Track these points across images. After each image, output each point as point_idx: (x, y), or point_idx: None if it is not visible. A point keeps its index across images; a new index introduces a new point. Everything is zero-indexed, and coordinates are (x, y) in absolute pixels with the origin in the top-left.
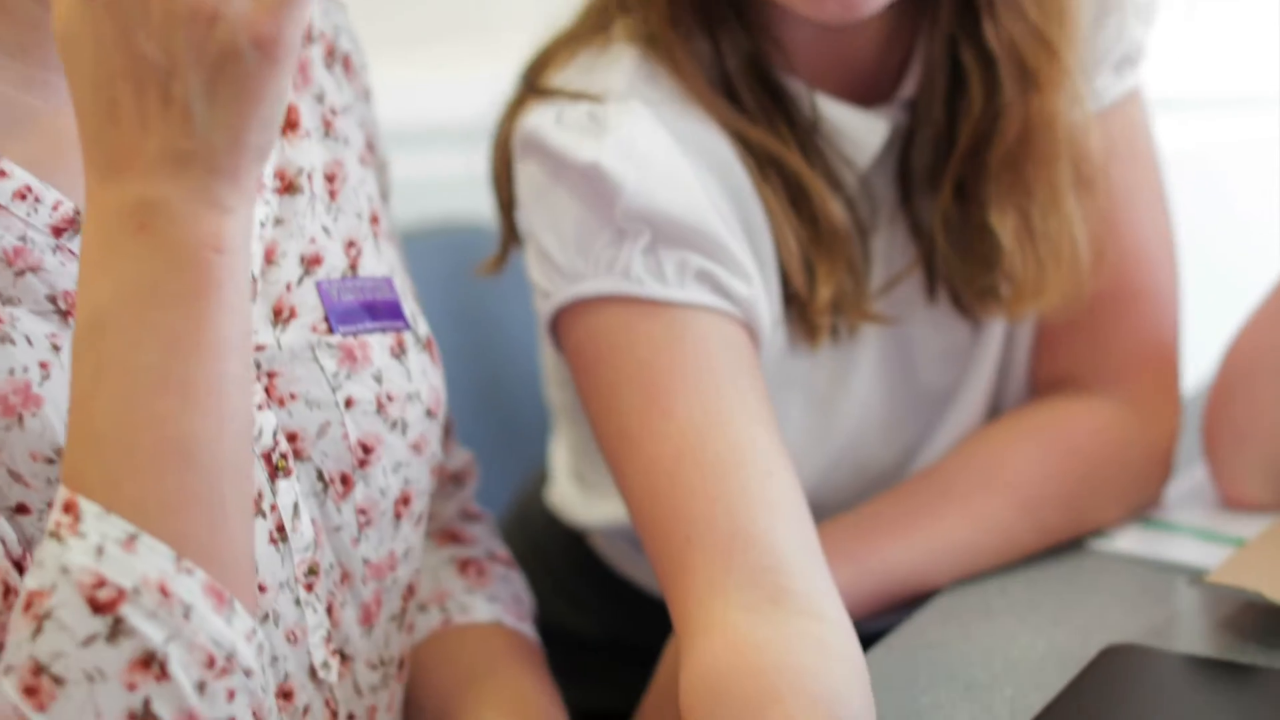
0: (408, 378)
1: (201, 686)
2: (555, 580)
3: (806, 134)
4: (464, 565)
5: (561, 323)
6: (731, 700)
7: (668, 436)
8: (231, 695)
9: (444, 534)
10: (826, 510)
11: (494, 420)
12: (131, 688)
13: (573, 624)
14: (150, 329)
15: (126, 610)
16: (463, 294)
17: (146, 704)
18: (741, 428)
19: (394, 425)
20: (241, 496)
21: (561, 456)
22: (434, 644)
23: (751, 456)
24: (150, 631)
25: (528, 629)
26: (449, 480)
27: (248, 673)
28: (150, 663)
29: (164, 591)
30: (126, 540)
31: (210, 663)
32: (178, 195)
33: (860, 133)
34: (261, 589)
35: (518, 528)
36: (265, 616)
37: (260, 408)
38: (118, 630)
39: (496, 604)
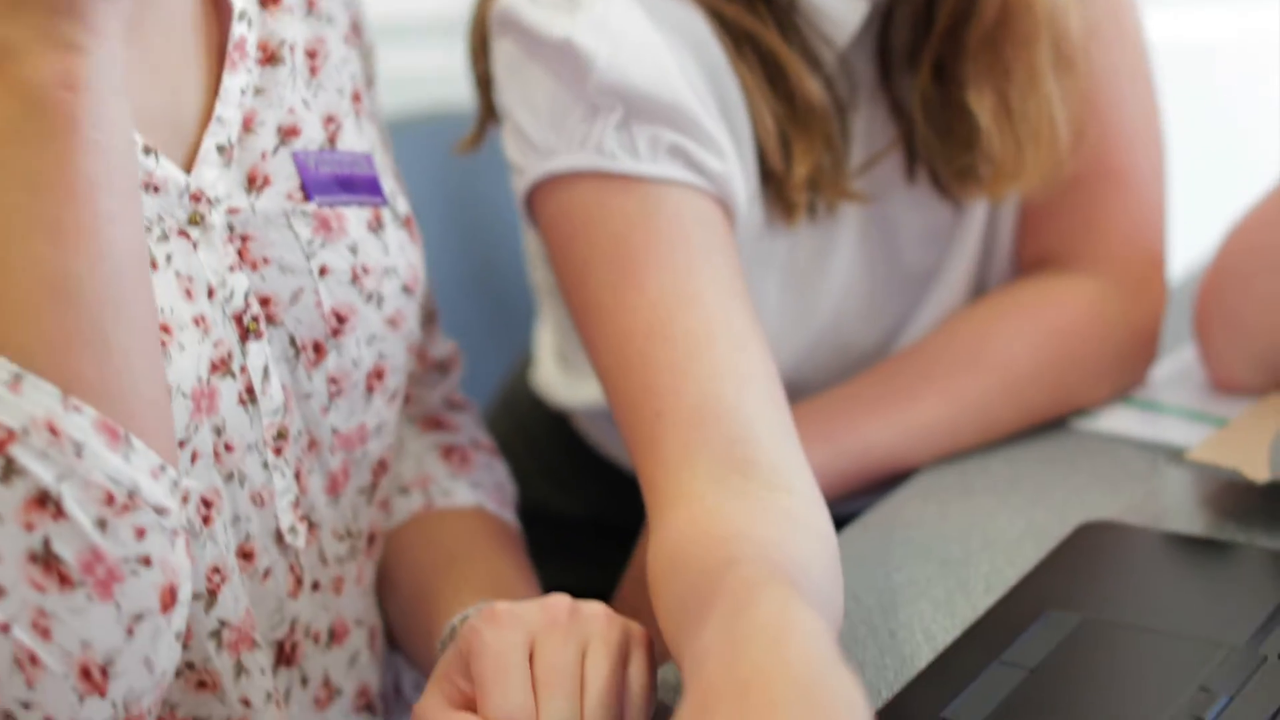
0: (384, 252)
1: (102, 524)
2: (540, 461)
3: (784, 12)
4: (448, 451)
5: (536, 199)
6: (690, 568)
7: (639, 311)
8: (141, 533)
9: (428, 421)
10: (808, 391)
11: (484, 307)
12: (29, 528)
13: (557, 505)
14: (12, 170)
15: (16, 450)
16: (452, 182)
17: (46, 544)
18: (714, 303)
19: (369, 298)
20: (130, 334)
21: (546, 338)
22: (414, 526)
23: (723, 331)
24: (41, 471)
25: (509, 516)
26: (434, 368)
27: (159, 510)
28: (45, 502)
29: (53, 430)
30: (12, 381)
31: (109, 500)
32: (19, 35)
33: (839, 11)
34: (229, 449)
35: (504, 410)
36: (230, 475)
37: (232, 269)
38: (10, 471)
39: (479, 490)
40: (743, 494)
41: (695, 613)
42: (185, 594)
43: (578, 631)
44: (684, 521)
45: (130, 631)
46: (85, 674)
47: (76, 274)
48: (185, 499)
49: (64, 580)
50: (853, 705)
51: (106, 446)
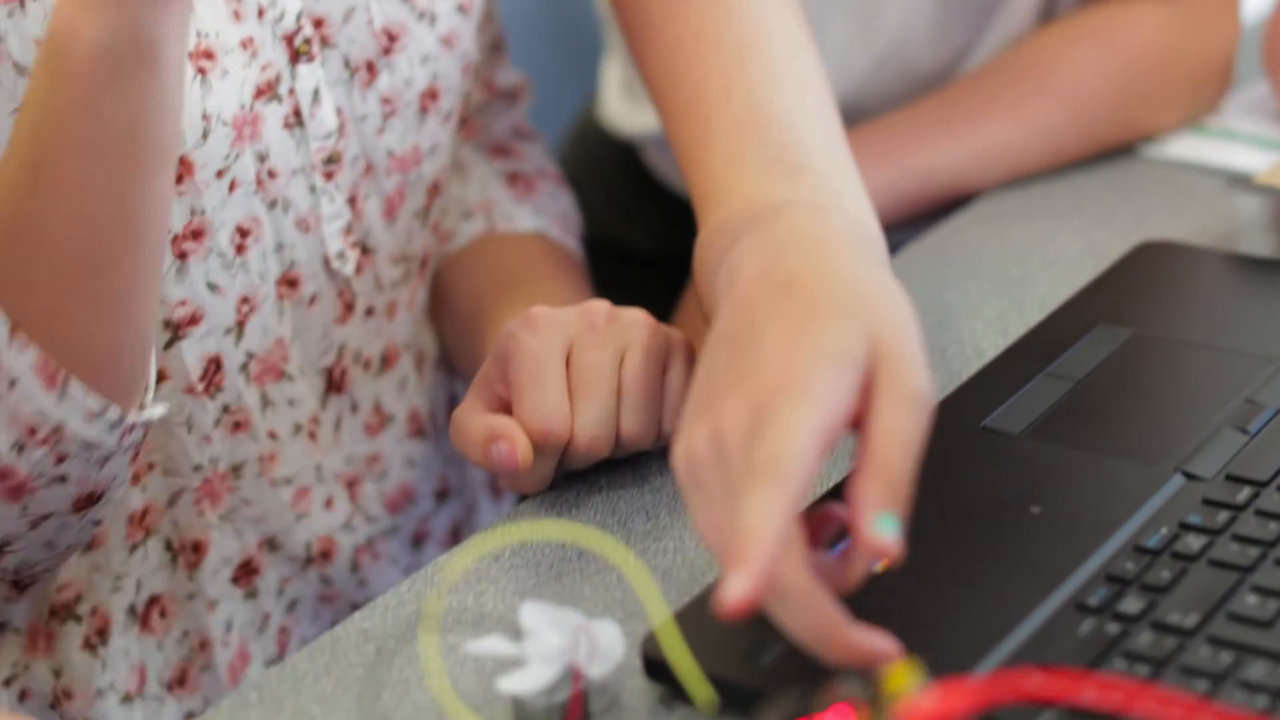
0: None
1: (19, 448)
2: (608, 193)
3: None
4: (513, 178)
5: None
6: (727, 233)
7: (687, 20)
8: (62, 459)
9: (495, 148)
10: (871, 116)
11: (561, 44)
12: None
13: (623, 237)
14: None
15: None
16: None
17: None
18: (764, 11)
19: (421, 16)
20: (95, 290)
21: (612, 71)
22: (474, 249)
23: (774, 40)
24: None
25: (572, 244)
26: (501, 96)
27: (87, 444)
28: None
29: None
30: None
31: (31, 431)
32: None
33: None
34: (272, 175)
35: (575, 144)
36: (274, 203)
37: None
38: None
39: (542, 216)
40: (790, 194)
41: (729, 250)
42: (112, 494)
43: (616, 336)
44: (729, 206)
45: (34, 525)
46: None
47: (39, 219)
48: (135, 434)
49: None
50: (896, 305)
51: (41, 388)
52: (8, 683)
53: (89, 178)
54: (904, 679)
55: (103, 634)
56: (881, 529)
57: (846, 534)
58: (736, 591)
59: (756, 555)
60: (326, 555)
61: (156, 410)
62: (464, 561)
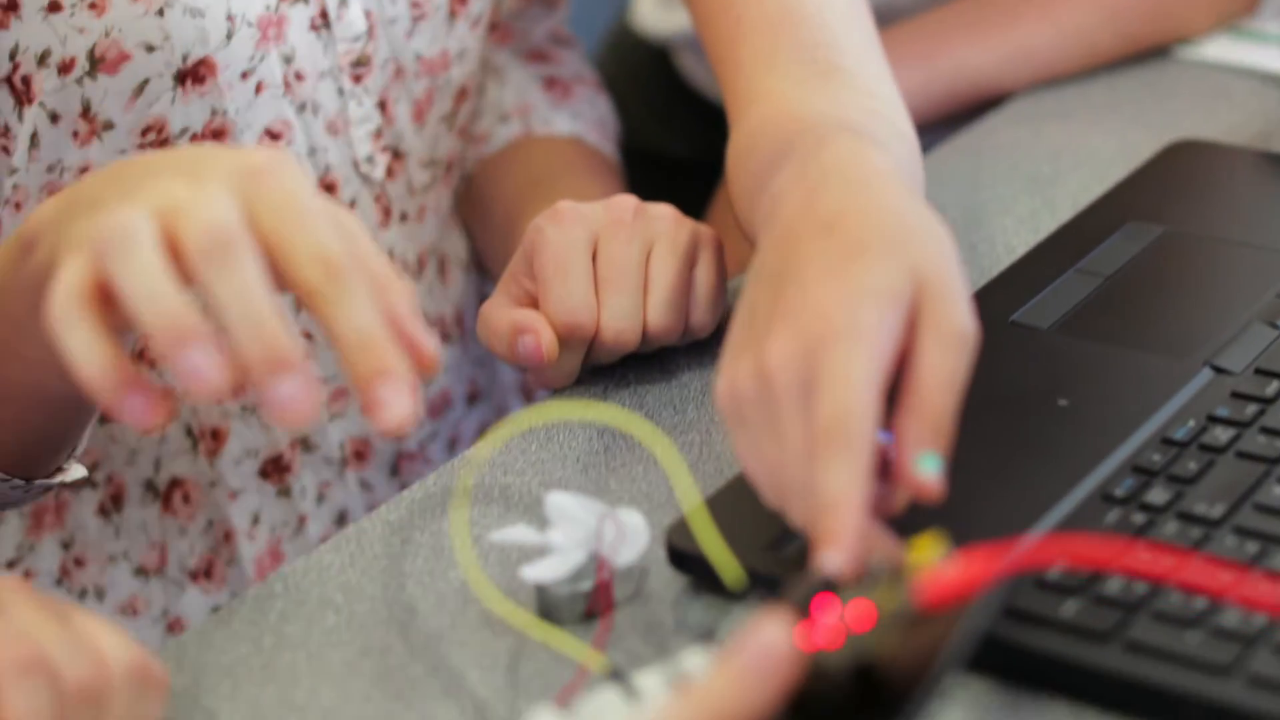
0: None
1: None
2: (642, 99)
3: None
4: (550, 83)
5: None
6: (765, 145)
7: None
8: None
9: (532, 54)
10: (904, 16)
11: None
12: None
13: (657, 142)
14: None
15: None
16: None
17: None
18: None
19: None
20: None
21: None
22: (510, 152)
23: None
24: None
25: (609, 149)
26: (539, 2)
27: None
28: None
29: None
30: None
31: None
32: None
33: None
34: (299, 78)
35: (610, 50)
36: (303, 106)
37: None
38: None
39: (579, 121)
40: (825, 94)
41: (768, 171)
42: (20, 508)
43: (643, 231)
44: (763, 111)
45: None
46: None
47: None
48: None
49: None
50: (939, 239)
51: None
52: (11, 565)
53: (20, 347)
54: (928, 550)
55: (117, 501)
56: (923, 468)
57: (890, 464)
58: (835, 566)
59: (847, 528)
60: (360, 456)
61: (73, 473)
62: (495, 441)
